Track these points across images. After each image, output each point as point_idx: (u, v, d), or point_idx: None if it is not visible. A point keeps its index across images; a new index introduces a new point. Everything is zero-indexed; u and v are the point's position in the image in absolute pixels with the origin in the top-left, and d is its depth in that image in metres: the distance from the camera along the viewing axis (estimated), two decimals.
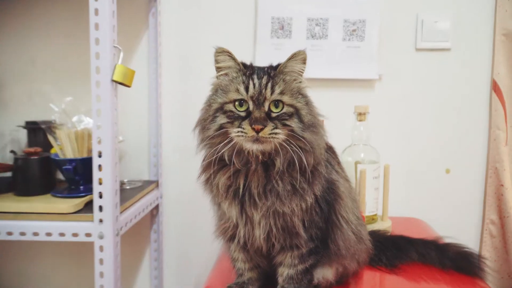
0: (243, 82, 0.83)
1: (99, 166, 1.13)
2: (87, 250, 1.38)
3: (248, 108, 0.82)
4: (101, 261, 1.15)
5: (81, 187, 1.33)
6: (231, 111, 0.82)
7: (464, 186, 1.63)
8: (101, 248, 1.15)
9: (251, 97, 0.81)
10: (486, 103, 1.60)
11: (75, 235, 1.17)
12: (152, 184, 1.61)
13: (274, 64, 0.88)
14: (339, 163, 1.00)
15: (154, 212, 1.67)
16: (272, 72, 0.85)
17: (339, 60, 1.58)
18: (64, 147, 1.34)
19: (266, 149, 0.81)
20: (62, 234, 1.17)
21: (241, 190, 0.84)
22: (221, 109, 0.83)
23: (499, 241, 1.58)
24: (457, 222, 1.63)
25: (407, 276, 1.08)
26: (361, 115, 1.37)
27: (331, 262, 0.95)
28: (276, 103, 0.82)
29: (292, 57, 0.85)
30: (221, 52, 0.87)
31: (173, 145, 1.68)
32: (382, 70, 1.59)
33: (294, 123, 0.81)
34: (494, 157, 1.56)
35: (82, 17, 1.24)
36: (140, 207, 1.42)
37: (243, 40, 1.60)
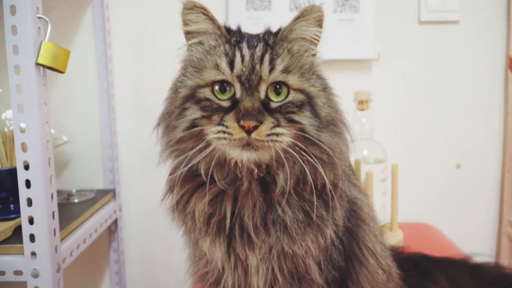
0: (226, 54, 0.58)
1: (27, 181, 0.85)
2: None
3: (234, 94, 0.56)
4: None
5: (11, 205, 1.05)
6: (208, 100, 0.56)
7: (478, 183, 1.44)
8: None
9: (238, 77, 0.56)
10: (501, 85, 1.40)
11: (1, 273, 0.90)
12: (108, 194, 1.33)
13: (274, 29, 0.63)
14: (354, 172, 0.74)
15: (113, 228, 1.39)
16: (272, 39, 0.60)
17: (329, 37, 1.28)
18: None
19: (263, 159, 0.55)
20: None
21: (227, 221, 0.58)
22: (192, 96, 0.57)
23: None
24: (471, 225, 1.44)
25: None
26: (362, 104, 1.12)
27: None
28: (278, 86, 0.57)
29: (302, 16, 0.60)
30: (190, 8, 0.61)
31: (131, 145, 1.41)
32: (380, 48, 1.36)
33: (305, 119, 0.57)
34: None
35: None
36: (92, 225, 1.15)
37: (212, 13, 1.32)
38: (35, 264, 0.87)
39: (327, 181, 0.56)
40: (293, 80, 0.57)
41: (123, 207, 1.41)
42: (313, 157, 0.56)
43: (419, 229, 1.33)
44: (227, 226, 0.59)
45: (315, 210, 0.57)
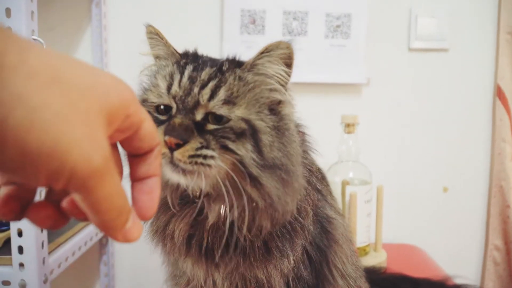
0: (170, 76, 0.55)
1: None
2: None
3: (170, 111, 0.54)
4: None
5: None
6: (149, 113, 0.55)
7: (465, 207, 1.43)
8: None
9: (174, 97, 0.53)
10: (489, 112, 1.40)
11: None
12: None
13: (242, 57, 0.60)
14: (331, 193, 0.76)
15: (104, 241, 1.40)
16: (227, 66, 0.56)
17: (321, 61, 1.35)
18: None
19: (198, 185, 0.53)
20: None
21: (204, 242, 0.58)
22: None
23: (503, 269, 1.38)
24: (457, 248, 1.43)
25: None
26: (349, 127, 1.15)
27: None
28: (218, 117, 0.52)
29: (266, 51, 0.55)
30: (149, 33, 0.61)
31: (124, 156, 1.41)
32: (370, 73, 1.37)
33: (244, 150, 0.51)
34: (499, 174, 1.36)
35: None
36: (82, 238, 1.16)
37: (207, 37, 1.36)
38: (23, 275, 0.89)
39: (259, 227, 0.54)
40: (236, 112, 0.52)
41: None
42: (247, 198, 0.52)
43: (404, 250, 1.33)
44: (204, 246, 0.58)
45: (274, 242, 0.56)
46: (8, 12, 0.83)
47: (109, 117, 0.29)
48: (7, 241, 0.98)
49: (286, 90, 0.58)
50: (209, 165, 0.49)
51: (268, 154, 0.52)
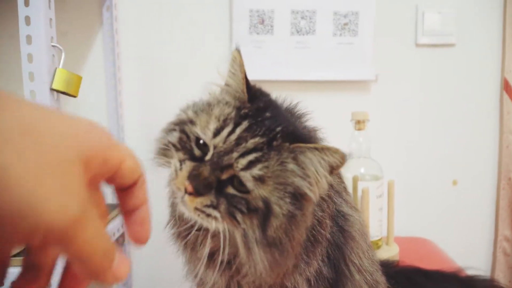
0: (224, 120, 0.54)
1: None
2: None
3: (206, 153, 0.54)
4: None
5: None
6: (188, 137, 0.56)
7: (474, 199, 1.45)
8: None
9: (215, 147, 0.53)
10: (496, 105, 1.42)
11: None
12: (116, 209, 1.36)
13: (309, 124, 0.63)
14: (346, 189, 0.78)
15: (120, 240, 1.43)
16: (279, 141, 0.54)
17: (329, 59, 1.37)
18: None
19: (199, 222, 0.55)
20: None
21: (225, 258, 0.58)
22: (183, 124, 0.58)
23: None
24: (467, 240, 1.45)
25: None
26: (359, 123, 1.16)
27: None
28: (241, 183, 0.52)
29: (321, 150, 0.53)
30: (233, 59, 0.58)
31: (139, 156, 1.43)
32: (378, 70, 1.39)
33: (248, 224, 0.52)
34: (508, 166, 1.38)
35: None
36: None
37: (216, 37, 1.38)
38: None
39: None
40: (260, 191, 0.52)
41: None
42: (234, 260, 0.55)
43: (416, 243, 1.34)
44: (224, 261, 0.58)
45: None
46: (27, 20, 0.85)
47: (86, 163, 0.28)
48: None
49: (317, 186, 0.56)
50: (208, 222, 0.52)
51: (270, 233, 0.52)
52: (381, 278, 0.77)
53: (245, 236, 0.52)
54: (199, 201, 0.51)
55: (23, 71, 0.85)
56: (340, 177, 0.77)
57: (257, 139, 0.53)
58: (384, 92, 1.41)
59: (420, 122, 1.43)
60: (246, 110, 0.55)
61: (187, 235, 0.61)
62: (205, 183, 0.51)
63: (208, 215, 0.51)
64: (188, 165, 0.52)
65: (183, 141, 0.56)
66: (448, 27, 1.38)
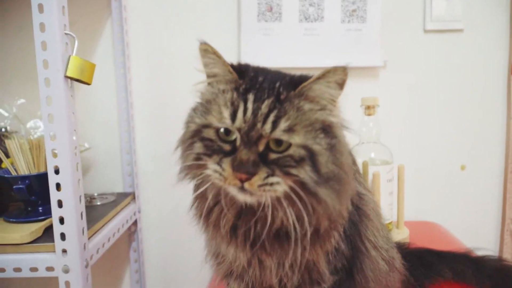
0: (232, 103, 0.57)
1: (57, 184, 0.91)
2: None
3: (235, 140, 0.57)
4: None
5: (40, 208, 1.10)
6: (211, 140, 0.58)
7: (482, 183, 1.46)
8: (67, 284, 0.94)
9: (238, 130, 0.56)
10: (503, 90, 1.42)
11: (34, 269, 0.95)
12: (128, 196, 1.38)
13: (297, 74, 0.62)
14: (358, 171, 0.79)
15: (133, 229, 1.45)
16: (285, 93, 0.57)
17: (338, 46, 1.37)
18: (17, 161, 1.11)
19: (261, 200, 0.57)
20: (17, 269, 0.95)
21: (252, 232, 0.61)
22: (199, 132, 0.60)
23: None
24: (475, 223, 1.47)
25: None
26: (369, 109, 1.17)
27: None
28: (279, 141, 0.56)
29: (323, 77, 0.57)
30: (204, 50, 0.61)
31: (149, 150, 1.46)
32: (387, 56, 1.39)
33: (304, 173, 0.55)
34: None
35: None
36: (115, 226, 1.20)
37: (225, 25, 1.38)
38: (66, 261, 0.93)
39: (320, 229, 0.59)
40: (295, 139, 0.56)
41: (142, 209, 1.47)
42: (305, 206, 0.56)
43: (425, 227, 1.36)
44: (251, 236, 0.61)
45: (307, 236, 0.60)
46: (40, 8, 0.86)
47: None
48: (46, 230, 1.03)
49: (336, 108, 0.60)
50: (275, 190, 0.55)
51: (324, 170, 0.56)
52: (396, 255, 0.79)
53: (304, 183, 0.55)
54: (257, 178, 0.54)
55: (37, 59, 0.86)
56: (352, 160, 0.78)
57: (267, 102, 0.56)
58: (393, 78, 1.42)
59: (429, 108, 1.44)
60: (243, 86, 0.59)
61: (209, 214, 0.63)
62: (251, 164, 0.54)
63: (271, 184, 0.54)
64: (227, 161, 0.55)
65: (209, 146, 0.58)
66: (455, 13, 1.38)
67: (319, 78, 0.57)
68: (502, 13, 1.40)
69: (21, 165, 1.11)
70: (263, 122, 0.55)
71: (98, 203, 1.30)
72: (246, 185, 0.54)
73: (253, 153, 0.55)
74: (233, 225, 0.62)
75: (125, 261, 1.50)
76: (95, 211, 1.22)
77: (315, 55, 1.37)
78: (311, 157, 0.56)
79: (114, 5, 1.34)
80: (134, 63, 1.40)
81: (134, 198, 1.42)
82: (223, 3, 1.38)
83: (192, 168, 0.60)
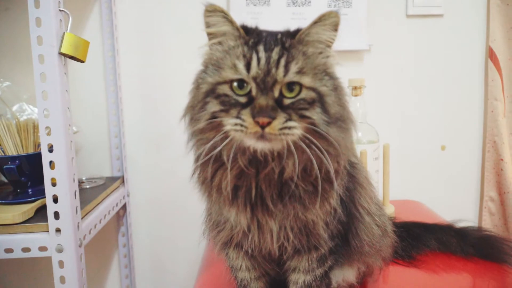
0: (244, 56, 0.61)
1: (51, 163, 0.90)
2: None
3: (250, 91, 0.60)
4: (62, 280, 0.93)
5: (29, 190, 1.09)
6: (226, 95, 0.60)
7: (461, 162, 1.53)
8: (60, 264, 0.93)
9: (254, 78, 0.59)
10: (481, 73, 1.49)
11: (26, 250, 0.94)
12: (117, 180, 1.38)
13: (292, 28, 0.66)
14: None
15: (121, 213, 1.45)
16: (288, 41, 0.62)
17: None
18: (4, 142, 1.09)
19: (276, 148, 0.60)
20: (9, 250, 0.94)
21: (253, 193, 0.64)
22: (212, 91, 0.61)
23: (498, 218, 1.49)
24: (455, 202, 1.53)
25: (429, 268, 0.95)
26: (356, 90, 1.21)
27: (352, 261, 0.79)
28: (291, 85, 0.60)
29: (319, 21, 0.62)
30: (212, 11, 0.63)
31: (138, 134, 1.46)
32: (371, 40, 1.43)
33: (316, 115, 0.59)
34: (492, 130, 1.45)
35: None
36: (105, 209, 1.20)
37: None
38: (59, 240, 0.92)
39: (331, 170, 0.61)
40: (306, 80, 0.60)
41: (130, 193, 1.47)
42: (321, 149, 0.59)
43: (408, 205, 1.41)
44: (253, 197, 0.64)
45: (320, 186, 0.63)
46: None
47: None
48: (37, 211, 1.02)
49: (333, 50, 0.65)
50: (293, 134, 0.58)
51: (332, 111, 0.61)
52: (388, 222, 0.83)
53: (316, 125, 0.59)
54: (277, 123, 0.57)
55: (31, 35, 0.85)
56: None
57: (276, 50, 0.61)
58: (378, 61, 1.46)
59: (411, 90, 1.49)
60: (252, 39, 0.63)
61: (213, 177, 0.65)
62: (270, 108, 0.57)
63: (290, 128, 0.58)
64: (246, 112, 0.58)
65: (225, 102, 0.60)
66: None
67: (315, 22, 0.62)
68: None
69: (9, 146, 1.10)
70: (276, 67, 0.59)
71: (87, 187, 1.30)
72: (267, 129, 0.56)
73: (270, 98, 0.58)
74: (235, 186, 0.65)
75: (114, 245, 1.50)
76: (85, 194, 1.22)
77: None
78: (320, 99, 0.61)
79: None
80: (123, 46, 1.39)
81: (123, 181, 1.42)
82: None
83: (205, 131, 0.62)
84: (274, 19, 1.38)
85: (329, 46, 0.64)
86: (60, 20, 0.89)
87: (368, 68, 1.46)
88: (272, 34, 0.64)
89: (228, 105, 0.60)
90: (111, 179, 1.39)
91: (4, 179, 1.16)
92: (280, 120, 0.57)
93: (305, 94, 0.60)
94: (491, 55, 1.43)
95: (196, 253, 1.47)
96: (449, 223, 1.05)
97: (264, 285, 0.79)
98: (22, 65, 1.35)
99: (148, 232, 1.51)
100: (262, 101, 0.58)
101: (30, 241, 0.94)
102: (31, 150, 1.11)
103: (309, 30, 0.62)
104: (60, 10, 0.89)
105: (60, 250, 0.93)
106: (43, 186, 0.90)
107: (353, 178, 0.75)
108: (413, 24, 1.45)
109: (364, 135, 1.21)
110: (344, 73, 1.37)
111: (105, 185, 1.31)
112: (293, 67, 0.60)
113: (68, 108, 0.92)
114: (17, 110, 1.23)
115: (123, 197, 1.40)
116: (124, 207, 1.43)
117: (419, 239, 1.00)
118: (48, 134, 0.89)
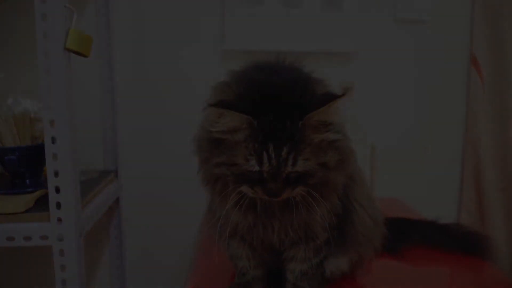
0: (255, 152, 0.64)
1: (54, 154, 0.92)
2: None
3: (261, 173, 0.65)
4: (62, 268, 0.96)
5: (27, 181, 1.11)
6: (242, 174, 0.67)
7: (442, 164, 1.60)
8: (61, 252, 0.95)
9: (266, 171, 0.65)
10: (464, 79, 1.56)
11: (27, 238, 0.96)
12: (110, 174, 1.40)
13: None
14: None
15: (114, 206, 1.47)
16: (297, 136, 0.64)
17: (317, 31, 1.46)
18: (3, 134, 1.11)
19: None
20: (10, 238, 0.96)
21: (258, 205, 0.71)
22: (226, 164, 0.67)
23: (478, 219, 1.57)
24: (436, 202, 1.58)
25: (413, 261, 1.01)
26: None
27: (345, 251, 0.84)
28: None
29: (325, 108, 0.63)
30: (219, 115, 0.65)
31: (132, 127, 1.47)
32: (359, 43, 1.49)
33: (317, 177, 0.67)
34: (472, 132, 1.53)
35: None
36: (101, 201, 1.23)
37: (209, 11, 1.43)
38: (61, 229, 0.94)
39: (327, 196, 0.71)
40: (310, 164, 0.65)
41: (123, 186, 1.49)
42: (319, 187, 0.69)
43: (391, 203, 1.44)
44: (258, 207, 0.71)
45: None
46: None
47: None
48: (37, 201, 1.04)
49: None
50: (298, 193, 0.68)
51: (332, 165, 0.68)
52: (378, 214, 0.89)
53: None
54: (285, 195, 0.67)
55: (37, 30, 0.87)
56: None
57: (285, 149, 0.64)
58: (366, 64, 1.52)
59: (397, 92, 1.55)
60: (261, 133, 0.64)
61: (216, 180, 0.71)
62: (278, 191, 0.65)
63: (297, 192, 0.68)
64: (259, 189, 0.66)
65: (239, 177, 0.67)
66: (423, 4, 1.50)
67: (320, 110, 0.63)
68: (463, 6, 1.53)
69: (7, 138, 1.11)
70: (285, 164, 0.64)
71: (82, 179, 1.30)
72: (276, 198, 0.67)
73: (279, 182, 0.65)
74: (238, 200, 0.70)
75: (105, 237, 1.52)
76: (81, 186, 1.23)
77: (294, 39, 1.45)
78: (323, 165, 0.67)
79: None
80: (118, 36, 1.41)
81: (116, 175, 1.44)
82: None
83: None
84: (269, 20, 1.42)
85: (340, 126, 0.69)
86: (65, 16, 0.91)
87: (357, 69, 1.52)
88: (279, 120, 0.64)
89: (241, 180, 0.67)
90: (105, 173, 1.40)
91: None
92: (287, 192, 0.66)
93: (308, 169, 0.65)
94: (473, 60, 1.51)
95: (187, 245, 1.50)
96: (433, 220, 1.12)
97: (262, 272, 0.83)
98: (16, 58, 1.35)
99: (142, 225, 1.53)
100: (272, 186, 0.65)
101: (32, 230, 0.96)
102: (28, 142, 1.13)
103: (319, 115, 0.64)
104: (65, 7, 0.91)
105: (61, 239, 0.95)
106: (40, 178, 0.93)
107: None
108: (400, 28, 1.52)
109: (352, 135, 1.26)
110: (334, 74, 1.43)
111: (99, 178, 1.33)
112: (300, 161, 0.64)
113: (72, 101, 0.94)
114: (11, 103, 1.24)
115: (116, 191, 1.43)
116: (117, 200, 1.45)
117: (404, 233, 1.06)
118: (52, 125, 0.91)
